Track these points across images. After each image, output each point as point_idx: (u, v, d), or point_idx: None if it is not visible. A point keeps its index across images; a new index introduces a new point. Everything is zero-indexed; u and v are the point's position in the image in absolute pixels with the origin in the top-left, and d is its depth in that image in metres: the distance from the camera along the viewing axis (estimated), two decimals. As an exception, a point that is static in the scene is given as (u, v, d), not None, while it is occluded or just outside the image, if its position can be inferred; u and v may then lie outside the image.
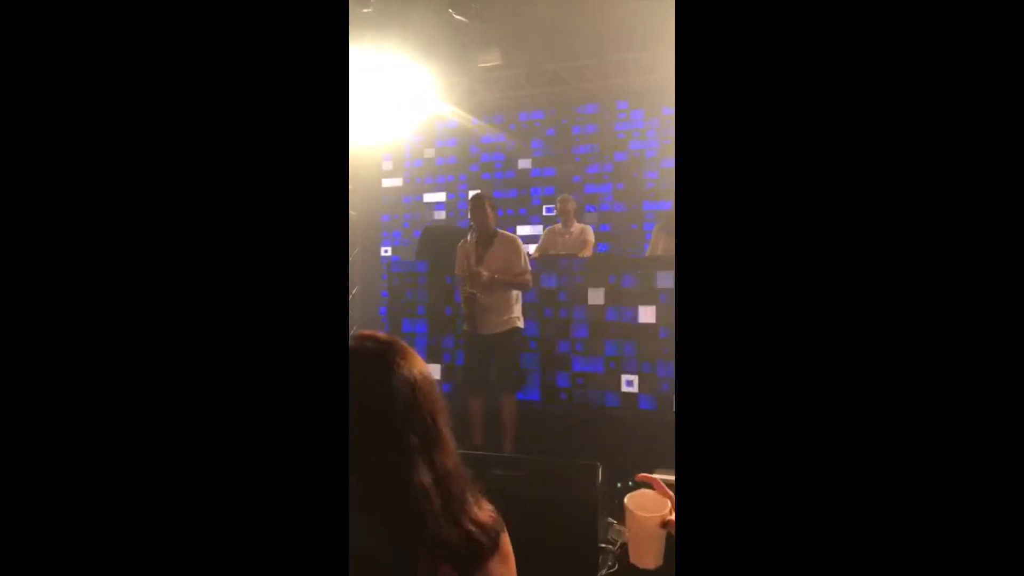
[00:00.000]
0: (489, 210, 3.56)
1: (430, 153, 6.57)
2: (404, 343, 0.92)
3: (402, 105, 5.81)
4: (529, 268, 3.58)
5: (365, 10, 4.95)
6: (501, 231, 3.63)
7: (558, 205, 4.75)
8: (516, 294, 3.61)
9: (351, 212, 6.32)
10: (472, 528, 0.85)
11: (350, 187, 6.24)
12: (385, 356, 0.87)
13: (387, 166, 6.74)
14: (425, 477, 0.83)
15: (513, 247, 3.56)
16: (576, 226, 4.66)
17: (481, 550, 0.85)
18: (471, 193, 3.78)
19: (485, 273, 3.46)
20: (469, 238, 3.61)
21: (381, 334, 0.92)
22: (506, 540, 0.89)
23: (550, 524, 2.10)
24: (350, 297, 6.36)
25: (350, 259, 6.43)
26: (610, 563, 2.18)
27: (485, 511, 0.89)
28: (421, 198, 6.62)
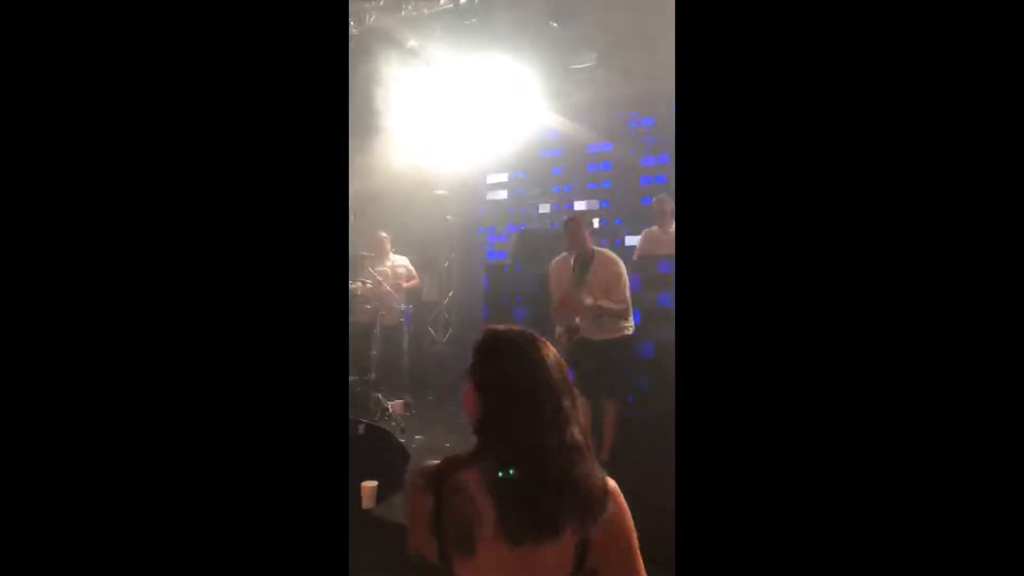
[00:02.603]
0: (586, 231, 3.41)
1: (533, 160, 6.50)
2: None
3: (505, 113, 5.81)
4: (629, 297, 3.37)
5: (470, 20, 5.06)
6: (599, 250, 3.45)
7: (655, 207, 4.62)
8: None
9: (448, 217, 6.44)
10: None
11: (446, 193, 6.37)
12: (530, 341, 1.02)
13: (490, 170, 6.73)
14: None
15: (615, 270, 3.34)
16: (675, 227, 4.52)
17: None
18: (566, 216, 3.56)
19: (588, 300, 3.24)
20: (568, 258, 3.44)
21: (515, 327, 1.06)
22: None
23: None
24: (446, 301, 6.48)
25: (446, 264, 6.56)
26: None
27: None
28: (528, 208, 6.55)
